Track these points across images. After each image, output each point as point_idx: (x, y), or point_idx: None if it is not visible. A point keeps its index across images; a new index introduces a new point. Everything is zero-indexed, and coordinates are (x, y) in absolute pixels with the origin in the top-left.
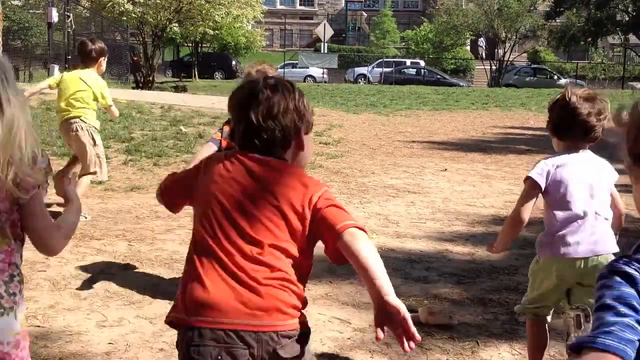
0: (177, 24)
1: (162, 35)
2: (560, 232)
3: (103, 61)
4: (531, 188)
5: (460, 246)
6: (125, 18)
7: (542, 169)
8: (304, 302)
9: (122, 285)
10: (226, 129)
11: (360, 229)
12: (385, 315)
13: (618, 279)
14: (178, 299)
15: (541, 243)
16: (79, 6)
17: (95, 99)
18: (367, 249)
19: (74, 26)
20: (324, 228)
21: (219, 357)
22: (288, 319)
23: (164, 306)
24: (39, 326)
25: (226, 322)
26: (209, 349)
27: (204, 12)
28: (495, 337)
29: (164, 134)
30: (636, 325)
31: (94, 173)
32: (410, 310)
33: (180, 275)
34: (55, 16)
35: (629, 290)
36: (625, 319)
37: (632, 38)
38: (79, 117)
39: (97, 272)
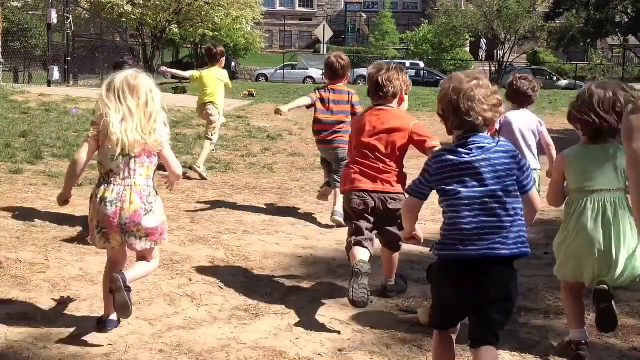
0: (176, 26)
1: (161, 36)
2: None
3: (223, 60)
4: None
5: None
6: (124, 19)
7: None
8: (405, 179)
9: None
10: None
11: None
12: None
13: None
14: (350, 179)
15: None
16: (79, 7)
17: (223, 86)
18: None
19: (73, 28)
20: (415, 141)
21: (362, 202)
22: (394, 189)
23: (163, 307)
24: (38, 327)
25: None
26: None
27: (203, 13)
28: None
29: None
30: None
31: (210, 139)
32: (410, 311)
33: (180, 276)
34: (54, 18)
35: None
36: None
37: (632, 39)
38: (212, 102)
39: (97, 274)
